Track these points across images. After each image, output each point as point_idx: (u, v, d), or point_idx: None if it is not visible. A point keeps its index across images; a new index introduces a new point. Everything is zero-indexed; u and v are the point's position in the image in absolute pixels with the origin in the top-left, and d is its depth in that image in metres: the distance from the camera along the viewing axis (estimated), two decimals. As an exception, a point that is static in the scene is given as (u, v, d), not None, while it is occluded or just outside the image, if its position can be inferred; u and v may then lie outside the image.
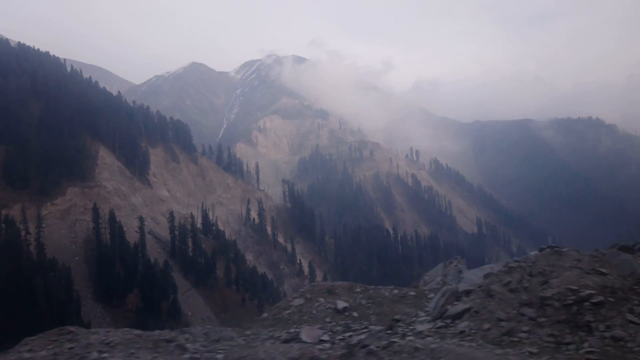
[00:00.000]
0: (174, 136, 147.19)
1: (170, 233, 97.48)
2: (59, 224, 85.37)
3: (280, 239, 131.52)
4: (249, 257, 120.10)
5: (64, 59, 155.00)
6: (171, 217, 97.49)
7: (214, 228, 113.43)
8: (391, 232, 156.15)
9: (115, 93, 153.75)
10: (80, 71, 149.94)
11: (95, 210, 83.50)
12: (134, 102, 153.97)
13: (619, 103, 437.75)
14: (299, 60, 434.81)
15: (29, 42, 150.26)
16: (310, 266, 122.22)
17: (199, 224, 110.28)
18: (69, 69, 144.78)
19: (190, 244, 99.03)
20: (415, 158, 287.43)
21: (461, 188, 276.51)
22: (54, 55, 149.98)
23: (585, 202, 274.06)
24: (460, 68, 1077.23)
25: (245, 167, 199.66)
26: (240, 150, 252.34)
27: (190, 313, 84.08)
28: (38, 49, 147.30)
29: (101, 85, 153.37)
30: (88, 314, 70.38)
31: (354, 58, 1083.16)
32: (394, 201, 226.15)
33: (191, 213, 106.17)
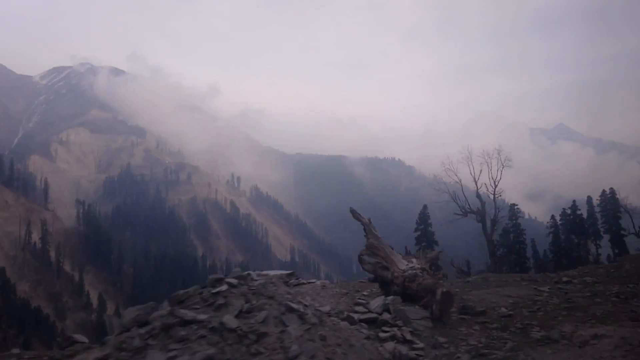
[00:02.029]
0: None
1: None
2: None
3: (67, 267, 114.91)
4: (24, 287, 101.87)
5: None
6: None
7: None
8: (200, 260, 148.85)
9: None
10: None
11: None
12: None
13: (417, 147, 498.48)
14: (117, 72, 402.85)
15: None
16: (100, 298, 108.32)
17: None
18: None
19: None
20: (236, 184, 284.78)
21: (279, 216, 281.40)
22: None
23: (386, 233, 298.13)
24: (286, 102, 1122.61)
25: (39, 184, 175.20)
26: (35, 163, 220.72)
27: None
28: None
29: None
30: None
31: (179, 78, 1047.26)
32: (210, 228, 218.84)
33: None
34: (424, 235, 43.40)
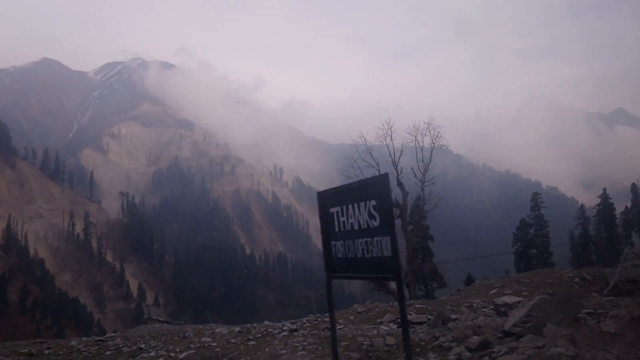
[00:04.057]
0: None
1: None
2: None
3: (109, 258, 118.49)
4: (66, 277, 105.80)
5: None
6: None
7: (21, 243, 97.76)
8: (239, 251, 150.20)
9: None
10: None
11: None
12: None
13: (466, 134, 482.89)
14: (167, 66, 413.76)
15: None
16: (140, 288, 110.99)
17: None
18: None
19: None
20: (278, 176, 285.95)
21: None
22: None
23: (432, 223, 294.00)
24: (331, 92, 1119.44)
25: (90, 177, 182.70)
26: (87, 157, 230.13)
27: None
28: None
29: None
30: None
31: (226, 71, 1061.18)
32: (252, 219, 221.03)
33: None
34: (418, 229, 39.05)
